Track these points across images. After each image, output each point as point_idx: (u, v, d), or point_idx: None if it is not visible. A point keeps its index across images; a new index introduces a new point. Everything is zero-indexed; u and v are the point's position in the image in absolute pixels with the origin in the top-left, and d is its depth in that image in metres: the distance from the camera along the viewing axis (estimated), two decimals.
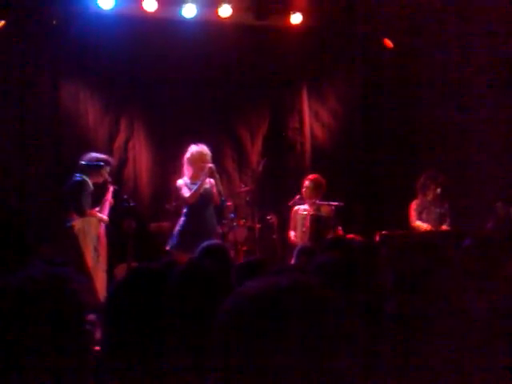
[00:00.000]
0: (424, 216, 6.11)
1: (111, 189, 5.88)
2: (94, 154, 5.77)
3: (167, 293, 2.00)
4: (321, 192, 6.13)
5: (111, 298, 2.20)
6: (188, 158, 5.78)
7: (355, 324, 1.08)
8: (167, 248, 5.70)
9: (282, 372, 0.92)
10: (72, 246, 5.35)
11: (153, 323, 2.01)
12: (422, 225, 6.07)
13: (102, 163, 5.70)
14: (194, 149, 5.77)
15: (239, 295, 1.00)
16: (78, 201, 5.48)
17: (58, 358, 1.28)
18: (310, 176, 6.22)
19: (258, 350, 0.94)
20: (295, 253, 4.36)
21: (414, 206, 6.18)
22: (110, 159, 5.93)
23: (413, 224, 6.14)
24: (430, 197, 6.09)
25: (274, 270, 2.76)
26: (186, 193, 5.65)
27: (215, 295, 1.98)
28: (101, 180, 5.77)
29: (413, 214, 6.17)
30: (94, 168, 5.64)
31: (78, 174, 5.60)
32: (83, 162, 5.62)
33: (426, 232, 5.88)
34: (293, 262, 4.41)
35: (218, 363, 0.98)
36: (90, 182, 5.60)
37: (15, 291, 1.30)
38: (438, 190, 5.95)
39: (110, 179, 5.88)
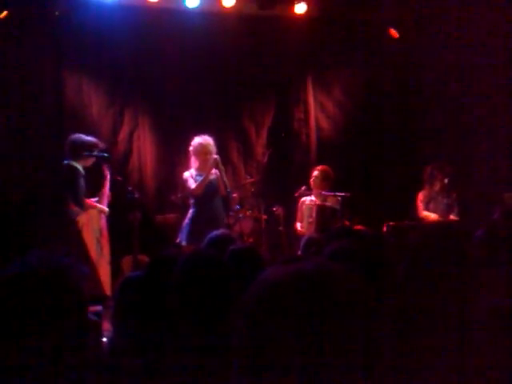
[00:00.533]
0: (431, 206, 6.08)
1: (108, 177, 5.70)
2: (80, 139, 5.50)
3: (171, 282, 1.98)
4: (328, 183, 6.12)
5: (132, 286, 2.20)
6: (192, 150, 5.80)
7: (373, 307, 1.09)
8: (177, 241, 5.67)
9: (311, 355, 0.91)
10: (76, 240, 5.29)
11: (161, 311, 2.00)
12: (429, 215, 6.03)
13: (86, 149, 5.43)
14: (196, 141, 5.77)
15: (265, 282, 0.98)
16: (73, 190, 5.32)
17: (60, 346, 1.25)
18: (319, 167, 6.22)
19: (285, 334, 0.92)
20: (302, 244, 4.32)
21: (420, 196, 6.16)
22: (96, 141, 5.61)
23: (420, 215, 6.12)
24: (437, 187, 6.06)
25: (283, 259, 2.72)
26: (192, 184, 5.65)
27: (218, 284, 1.96)
28: (90, 162, 5.54)
29: (420, 204, 6.14)
30: (79, 152, 5.39)
31: (65, 160, 5.42)
32: (68, 146, 5.39)
33: (439, 222, 5.83)
34: (300, 253, 4.36)
35: (244, 349, 0.97)
36: (79, 167, 5.41)
37: (13, 279, 1.26)
38: (446, 181, 5.91)
39: (107, 167, 5.69)
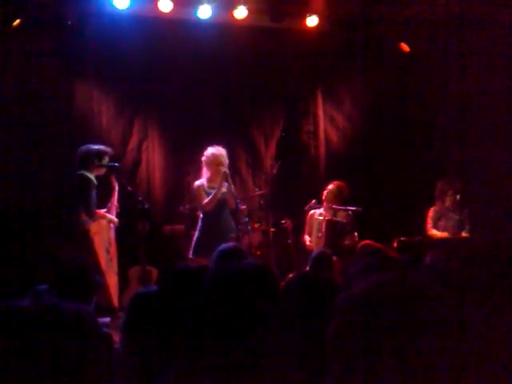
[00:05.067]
0: (442, 223, 6.00)
1: (116, 188, 5.68)
2: (90, 149, 5.49)
3: (198, 298, 1.93)
4: (341, 200, 6.06)
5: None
6: (204, 160, 5.78)
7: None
8: (190, 256, 5.63)
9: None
10: (88, 249, 5.26)
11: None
12: (436, 233, 5.95)
13: (97, 159, 5.43)
14: (209, 151, 5.74)
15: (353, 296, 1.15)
16: (85, 200, 5.31)
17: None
18: (336, 181, 6.14)
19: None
20: (311, 258, 4.28)
21: (431, 213, 6.07)
22: (106, 148, 5.61)
23: (428, 232, 6.03)
24: (448, 203, 5.98)
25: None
26: (204, 199, 5.61)
27: (247, 299, 1.91)
28: (102, 171, 5.53)
29: (429, 221, 6.06)
30: (90, 162, 5.40)
31: (78, 171, 5.41)
32: (79, 157, 5.39)
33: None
34: (309, 267, 4.32)
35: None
36: (92, 177, 5.39)
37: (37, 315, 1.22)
38: (457, 197, 5.84)
39: (115, 178, 5.66)
